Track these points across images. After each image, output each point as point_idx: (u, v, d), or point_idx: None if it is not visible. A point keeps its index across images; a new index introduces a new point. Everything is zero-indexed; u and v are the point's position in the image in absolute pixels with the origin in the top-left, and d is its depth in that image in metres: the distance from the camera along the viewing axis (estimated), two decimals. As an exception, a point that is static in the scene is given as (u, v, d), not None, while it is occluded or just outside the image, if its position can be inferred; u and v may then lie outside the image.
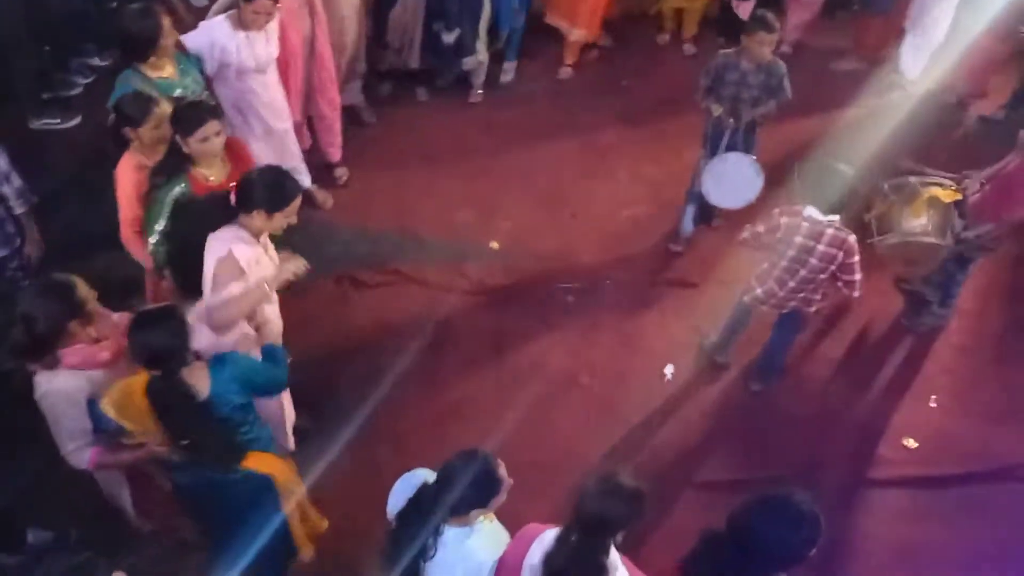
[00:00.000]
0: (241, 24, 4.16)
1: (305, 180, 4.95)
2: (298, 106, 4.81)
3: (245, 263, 3.19)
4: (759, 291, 4.08)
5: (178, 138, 3.46)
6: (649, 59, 6.32)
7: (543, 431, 4.22)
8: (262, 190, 3.15)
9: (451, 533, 2.61)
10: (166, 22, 3.87)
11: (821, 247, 3.79)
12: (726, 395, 4.48)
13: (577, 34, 6.03)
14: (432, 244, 5.11)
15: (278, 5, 4.15)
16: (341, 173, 5.34)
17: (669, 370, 4.55)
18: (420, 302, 4.81)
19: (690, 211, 4.94)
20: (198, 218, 3.33)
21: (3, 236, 4.00)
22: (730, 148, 4.55)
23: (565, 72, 6.19)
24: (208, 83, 4.25)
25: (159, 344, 2.81)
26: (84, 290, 2.97)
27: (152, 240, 3.59)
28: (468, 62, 5.68)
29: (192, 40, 4.14)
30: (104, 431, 3.08)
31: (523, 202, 5.34)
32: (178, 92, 3.91)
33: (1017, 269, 5.04)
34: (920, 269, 4.37)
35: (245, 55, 4.21)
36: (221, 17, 4.22)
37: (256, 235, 3.25)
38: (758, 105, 4.49)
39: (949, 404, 4.47)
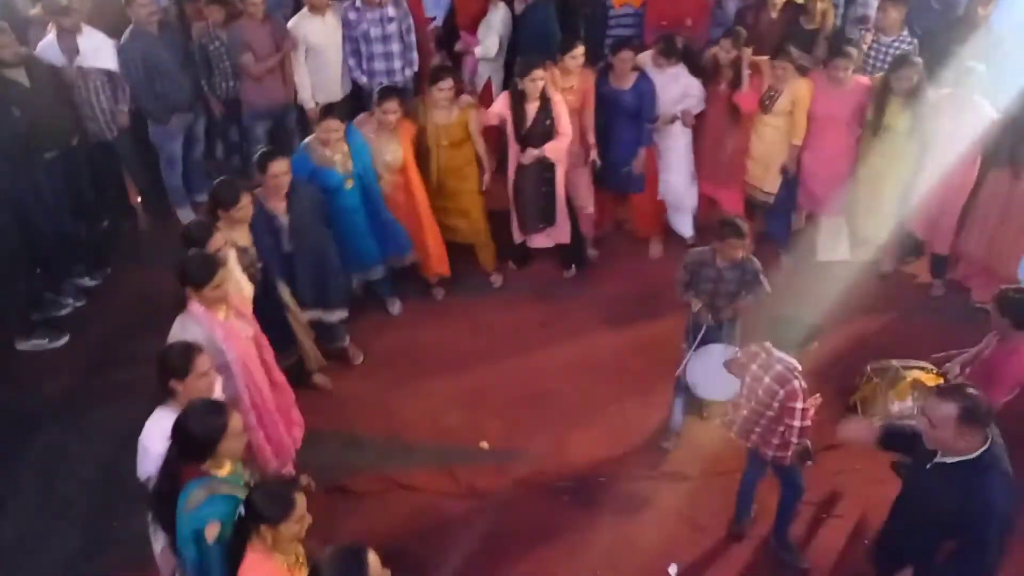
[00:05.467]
0: None
1: None
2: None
3: None
4: (731, 411, 4.16)
5: None
6: (623, 255, 6.55)
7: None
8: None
9: None
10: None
11: (767, 379, 3.88)
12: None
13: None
14: (421, 448, 5.04)
15: None
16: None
17: (673, 570, 4.39)
18: (411, 509, 4.67)
19: (678, 404, 4.96)
20: None
21: None
22: (713, 340, 4.67)
23: (496, 279, 6.32)
24: None
25: None
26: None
27: None
28: (310, 314, 5.27)
29: None
30: None
31: (510, 401, 5.34)
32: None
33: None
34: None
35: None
36: None
37: None
38: (736, 299, 4.66)
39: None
